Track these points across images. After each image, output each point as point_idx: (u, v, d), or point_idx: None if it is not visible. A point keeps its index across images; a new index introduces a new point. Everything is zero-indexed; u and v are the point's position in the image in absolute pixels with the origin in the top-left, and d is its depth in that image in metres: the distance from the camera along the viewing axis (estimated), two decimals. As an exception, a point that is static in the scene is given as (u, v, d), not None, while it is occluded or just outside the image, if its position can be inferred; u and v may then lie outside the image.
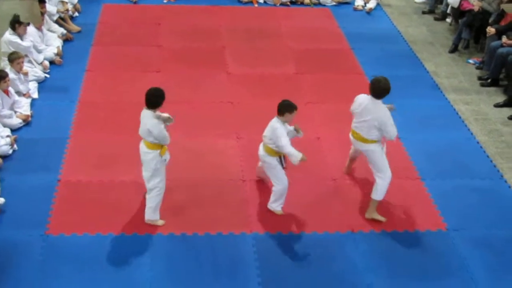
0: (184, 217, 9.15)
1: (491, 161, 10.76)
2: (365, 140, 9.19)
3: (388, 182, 9.23)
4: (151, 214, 9.00)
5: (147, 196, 8.99)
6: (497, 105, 12.42)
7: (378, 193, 9.23)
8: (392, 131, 9.00)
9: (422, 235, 9.05)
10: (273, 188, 9.32)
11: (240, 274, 8.27)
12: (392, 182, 9.66)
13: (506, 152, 11.04)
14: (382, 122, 8.97)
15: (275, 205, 9.36)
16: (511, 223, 9.40)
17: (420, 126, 11.61)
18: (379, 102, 9.10)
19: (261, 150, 9.18)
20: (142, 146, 8.68)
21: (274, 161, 9.09)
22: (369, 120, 9.03)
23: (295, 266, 8.44)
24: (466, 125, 11.72)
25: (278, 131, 8.81)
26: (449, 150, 10.98)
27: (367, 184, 9.95)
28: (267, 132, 8.99)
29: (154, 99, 8.50)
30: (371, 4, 16.78)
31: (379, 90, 9.10)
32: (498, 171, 10.51)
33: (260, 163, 9.49)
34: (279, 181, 9.18)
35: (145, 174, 8.81)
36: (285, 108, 8.83)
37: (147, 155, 8.64)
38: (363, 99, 9.27)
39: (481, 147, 11.12)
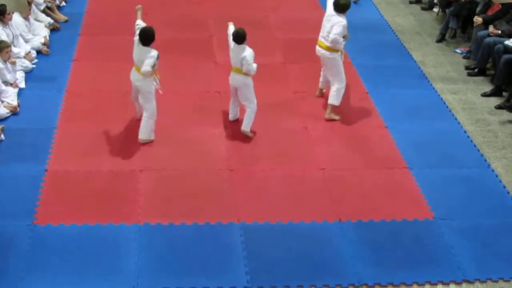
0: (171, 206, 9.14)
1: (478, 150, 10.79)
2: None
3: (344, 87, 11.20)
4: (150, 133, 10.43)
5: (146, 121, 10.32)
6: (484, 95, 12.45)
7: (338, 98, 11.18)
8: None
9: (410, 224, 9.07)
10: (248, 110, 10.61)
11: (228, 264, 8.26)
12: (380, 171, 9.76)
13: (493, 142, 11.08)
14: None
15: (249, 126, 10.66)
16: (498, 212, 9.43)
17: (407, 115, 11.63)
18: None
19: (240, 77, 10.51)
20: (139, 77, 10.01)
21: (251, 81, 10.55)
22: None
23: (283, 255, 8.44)
24: (453, 115, 11.75)
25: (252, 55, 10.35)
26: (437, 139, 11.01)
27: (354, 174, 9.98)
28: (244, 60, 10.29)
29: (152, 37, 9.88)
30: (360, -5, 16.85)
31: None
32: (485, 160, 10.54)
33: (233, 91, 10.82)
34: (254, 99, 10.66)
35: (145, 101, 10.23)
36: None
37: (145, 82, 10.02)
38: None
39: (468, 136, 11.15)
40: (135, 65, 10.15)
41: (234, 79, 10.60)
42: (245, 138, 10.71)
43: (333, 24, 10.82)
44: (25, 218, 8.76)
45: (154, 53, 9.87)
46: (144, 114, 10.38)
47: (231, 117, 11.17)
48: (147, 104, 10.29)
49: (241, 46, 10.27)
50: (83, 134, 10.63)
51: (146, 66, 9.79)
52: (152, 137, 10.51)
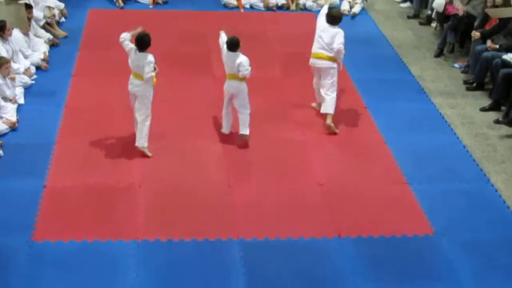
0: (170, 223, 9.12)
1: (478, 164, 10.78)
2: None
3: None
4: (145, 141, 10.46)
5: (141, 126, 10.37)
6: (483, 109, 12.46)
7: (334, 106, 11.35)
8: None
9: (409, 239, 9.05)
10: (243, 116, 10.84)
11: (227, 280, 8.24)
12: (379, 185, 9.75)
13: (492, 156, 11.07)
14: None
15: (248, 130, 10.88)
16: (498, 226, 9.42)
17: (406, 130, 11.63)
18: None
19: (236, 83, 10.67)
20: (139, 83, 10.15)
21: (246, 86, 10.76)
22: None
23: (282, 271, 8.41)
24: (452, 129, 11.75)
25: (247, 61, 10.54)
26: (436, 154, 11.00)
27: (353, 190, 9.97)
28: (240, 66, 10.47)
29: (149, 42, 10.08)
30: (356, 9, 16.83)
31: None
32: (485, 175, 10.54)
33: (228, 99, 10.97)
34: (249, 105, 10.86)
35: (141, 106, 10.30)
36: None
37: (143, 87, 10.18)
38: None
39: (467, 151, 11.15)
40: (132, 72, 10.23)
41: (231, 86, 10.77)
42: (244, 153, 10.71)
43: (334, 35, 11.07)
44: (23, 234, 8.73)
45: (150, 57, 10.04)
46: (139, 119, 10.42)
47: (225, 129, 11.18)
48: (142, 110, 10.36)
49: (236, 53, 10.47)
50: (82, 149, 10.62)
51: (148, 73, 10.00)
52: (146, 144, 10.55)
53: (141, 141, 10.48)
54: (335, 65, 11.27)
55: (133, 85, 10.28)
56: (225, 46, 10.59)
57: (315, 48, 11.33)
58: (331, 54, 11.14)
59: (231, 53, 10.50)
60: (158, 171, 10.18)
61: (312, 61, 11.43)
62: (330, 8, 11.48)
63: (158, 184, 9.87)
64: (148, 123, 10.43)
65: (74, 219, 9.09)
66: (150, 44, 10.11)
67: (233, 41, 10.47)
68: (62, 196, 9.55)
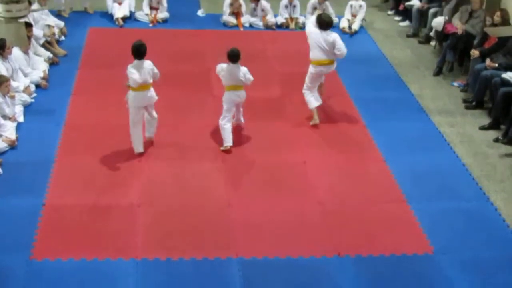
0: (169, 241, 9.09)
1: (477, 183, 10.77)
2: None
3: None
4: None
5: (155, 121, 11.16)
6: (482, 128, 12.46)
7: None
8: None
9: (409, 258, 9.01)
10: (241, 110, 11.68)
11: (226, 299, 8.23)
12: (378, 204, 9.76)
13: (491, 175, 11.07)
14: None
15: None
16: (498, 245, 9.39)
17: (405, 148, 11.63)
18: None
19: (243, 92, 11.19)
20: (150, 91, 10.71)
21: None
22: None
23: (282, 290, 8.41)
24: (451, 148, 11.75)
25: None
26: (435, 172, 10.99)
27: (353, 208, 9.96)
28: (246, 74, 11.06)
29: (145, 49, 10.45)
30: (356, 26, 16.89)
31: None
32: (484, 193, 10.52)
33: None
34: None
35: (152, 107, 10.97)
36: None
37: (153, 94, 10.75)
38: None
39: (466, 169, 11.14)
40: (142, 86, 10.56)
41: (239, 95, 11.20)
42: (244, 172, 10.72)
43: (333, 39, 11.81)
44: (22, 252, 8.70)
45: (149, 62, 10.61)
46: (155, 115, 11.11)
47: (229, 142, 11.34)
48: (153, 110, 11.04)
49: (237, 64, 10.92)
50: (81, 167, 10.61)
51: (156, 74, 10.75)
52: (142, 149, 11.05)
53: (153, 131, 11.32)
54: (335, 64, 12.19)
55: (148, 96, 10.71)
56: (223, 66, 10.93)
57: (320, 56, 11.90)
58: (332, 58, 11.92)
59: (233, 65, 10.89)
60: (158, 189, 10.17)
61: (321, 69, 12.04)
62: (319, 15, 12.11)
63: (157, 202, 9.85)
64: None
65: (73, 237, 9.06)
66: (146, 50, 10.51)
67: (235, 52, 10.86)
68: (61, 214, 9.53)
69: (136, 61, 10.48)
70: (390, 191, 10.45)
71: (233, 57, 10.87)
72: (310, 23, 12.15)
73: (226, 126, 11.21)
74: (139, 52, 10.43)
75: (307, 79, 12.14)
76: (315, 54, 11.89)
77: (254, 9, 16.96)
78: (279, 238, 9.27)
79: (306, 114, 12.41)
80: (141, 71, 10.45)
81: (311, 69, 12.01)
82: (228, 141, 11.27)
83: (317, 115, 12.19)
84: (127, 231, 9.22)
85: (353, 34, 16.72)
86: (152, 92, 10.77)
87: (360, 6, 17.14)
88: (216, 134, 11.58)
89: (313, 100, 12.19)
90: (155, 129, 11.30)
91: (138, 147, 10.98)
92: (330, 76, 13.47)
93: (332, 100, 12.95)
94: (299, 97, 12.95)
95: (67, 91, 12.96)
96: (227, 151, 11.23)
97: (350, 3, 17.26)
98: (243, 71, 10.98)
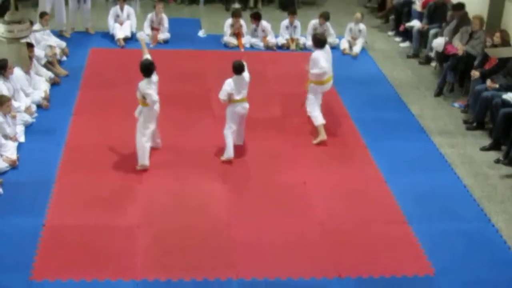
0: (169, 262, 9.06)
1: (478, 204, 10.76)
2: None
3: None
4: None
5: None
6: (483, 149, 12.46)
7: None
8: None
9: (410, 280, 8.98)
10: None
11: (227, 320, 8.20)
12: (379, 225, 9.74)
13: (492, 196, 11.06)
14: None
15: None
16: (499, 266, 9.37)
17: (406, 169, 11.62)
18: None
19: (247, 104, 11.42)
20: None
21: None
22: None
23: (282, 311, 8.39)
24: (452, 168, 11.75)
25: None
26: (436, 193, 10.98)
27: (353, 229, 9.94)
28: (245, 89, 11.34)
29: (154, 67, 10.79)
30: (357, 49, 16.90)
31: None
32: (485, 214, 10.51)
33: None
34: None
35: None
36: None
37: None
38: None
39: (467, 190, 11.13)
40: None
41: (245, 107, 11.48)
42: (244, 192, 10.72)
43: (331, 56, 12.43)
44: (22, 273, 8.67)
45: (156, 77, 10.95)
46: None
47: (231, 153, 11.53)
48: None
49: (242, 75, 11.21)
50: (82, 188, 10.60)
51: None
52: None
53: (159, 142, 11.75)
54: None
55: (157, 108, 10.99)
56: (230, 82, 11.12)
57: (327, 75, 12.26)
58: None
59: (239, 76, 11.18)
60: (158, 209, 10.16)
61: (329, 85, 12.45)
62: (314, 35, 12.71)
63: (157, 223, 9.83)
64: None
65: (73, 258, 9.04)
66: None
67: (241, 65, 11.16)
68: (61, 234, 9.51)
69: (146, 79, 10.67)
70: (390, 211, 10.44)
71: (240, 68, 11.11)
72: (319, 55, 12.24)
73: (230, 137, 11.43)
74: (148, 70, 10.68)
75: (312, 97, 12.21)
76: (328, 72, 12.18)
77: (255, 30, 17.01)
78: (280, 258, 9.25)
79: (306, 135, 12.43)
80: (154, 88, 10.75)
81: (322, 88, 12.26)
82: (231, 153, 11.38)
83: (324, 131, 12.22)
84: (127, 251, 9.20)
85: (356, 56, 16.72)
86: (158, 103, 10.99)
87: (360, 30, 17.16)
88: (216, 155, 11.59)
89: (320, 117, 12.25)
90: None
91: (146, 161, 11.13)
92: (331, 97, 13.52)
93: (333, 121, 12.94)
94: (299, 117, 12.99)
95: (68, 111, 12.97)
96: (227, 163, 11.30)
97: (349, 26, 17.28)
98: (248, 75, 11.32)
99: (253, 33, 17.08)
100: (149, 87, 10.66)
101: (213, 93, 13.66)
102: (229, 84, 11.12)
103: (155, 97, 10.70)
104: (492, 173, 11.72)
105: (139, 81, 10.67)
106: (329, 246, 9.59)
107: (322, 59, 11.90)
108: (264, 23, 16.97)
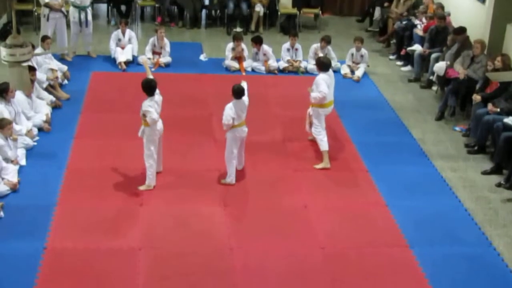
0: (170, 285, 9.04)
1: (480, 228, 10.74)
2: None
3: None
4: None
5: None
6: (484, 173, 12.46)
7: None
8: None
9: (411, 304, 8.98)
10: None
11: None
12: (380, 249, 9.71)
13: (494, 220, 11.04)
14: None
15: None
16: (501, 291, 9.37)
17: (407, 193, 11.61)
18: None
19: (246, 128, 11.43)
20: (160, 122, 11.02)
21: None
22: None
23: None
24: (453, 192, 11.74)
25: None
26: (437, 217, 10.96)
27: (355, 253, 9.91)
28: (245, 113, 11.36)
29: (156, 84, 10.87)
30: (359, 73, 16.93)
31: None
32: (487, 238, 10.48)
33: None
34: None
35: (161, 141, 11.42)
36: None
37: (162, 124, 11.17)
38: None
39: (469, 214, 11.12)
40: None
41: (245, 130, 11.49)
42: (246, 216, 10.70)
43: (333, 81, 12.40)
44: (23, 297, 8.67)
45: (157, 91, 10.97)
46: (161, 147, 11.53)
47: (234, 178, 11.55)
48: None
49: (242, 99, 11.23)
50: (83, 211, 10.59)
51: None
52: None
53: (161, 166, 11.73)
54: None
55: (160, 128, 11.10)
56: (232, 106, 11.09)
57: (332, 96, 12.29)
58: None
59: (239, 101, 11.19)
60: (159, 233, 10.14)
61: (330, 109, 12.41)
62: (318, 58, 12.78)
63: (158, 246, 9.81)
64: None
65: (74, 281, 9.01)
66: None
67: (241, 89, 11.18)
68: (63, 258, 9.49)
69: (149, 98, 10.76)
70: (392, 235, 10.41)
71: (240, 92, 11.14)
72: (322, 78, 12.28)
73: (232, 163, 11.43)
74: (150, 88, 10.81)
75: (317, 125, 12.27)
76: (330, 96, 12.19)
77: (256, 54, 17.05)
78: (281, 283, 9.22)
79: (307, 159, 12.44)
80: (155, 106, 10.77)
81: (325, 111, 12.28)
82: (233, 178, 11.47)
83: (328, 159, 12.27)
84: (128, 275, 9.17)
85: (358, 81, 16.75)
86: (161, 123, 11.10)
87: (362, 55, 17.21)
88: (217, 178, 11.59)
89: (326, 142, 12.29)
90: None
91: (154, 180, 11.27)
92: (332, 120, 13.53)
93: (334, 145, 12.93)
94: (299, 141, 13.00)
95: (70, 135, 12.98)
96: (228, 186, 11.35)
97: (351, 51, 17.33)
98: (247, 99, 11.37)
99: (254, 57, 17.12)
100: (150, 105, 10.71)
101: (214, 117, 13.70)
102: (231, 109, 11.12)
103: (155, 115, 10.70)
104: (493, 197, 11.71)
105: (141, 103, 10.72)
106: (330, 270, 9.57)
107: (323, 84, 11.90)
108: (265, 47, 17.01)
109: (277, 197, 11.25)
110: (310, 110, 12.56)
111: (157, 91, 10.97)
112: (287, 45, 17.19)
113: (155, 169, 11.23)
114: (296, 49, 17.20)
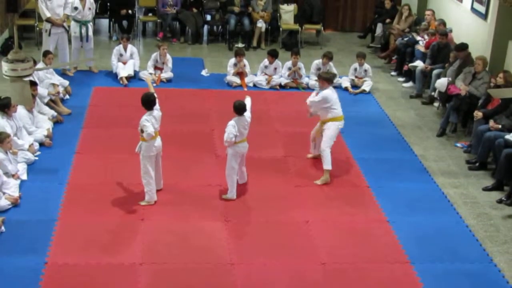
0: (171, 301, 9.05)
1: (481, 244, 10.72)
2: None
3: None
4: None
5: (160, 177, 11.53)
6: (485, 189, 12.45)
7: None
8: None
9: (412, 321, 8.96)
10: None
11: None
12: (381, 265, 9.69)
13: (495, 236, 11.02)
14: None
15: None
16: (502, 308, 9.35)
17: (408, 209, 11.60)
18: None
19: (247, 144, 11.46)
20: (159, 139, 11.06)
21: None
22: None
23: None
24: (455, 209, 11.73)
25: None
26: (438, 233, 10.95)
27: (356, 269, 9.89)
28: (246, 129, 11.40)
29: (155, 99, 10.93)
30: (366, 87, 16.96)
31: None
32: (488, 255, 10.46)
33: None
34: None
35: (160, 158, 11.45)
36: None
37: (160, 142, 11.20)
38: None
39: (470, 230, 11.10)
40: (156, 133, 10.96)
41: (246, 146, 11.52)
42: (246, 232, 10.69)
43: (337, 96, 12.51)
44: (23, 313, 8.66)
45: (157, 107, 11.01)
46: (160, 165, 11.48)
47: (235, 193, 11.59)
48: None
49: (244, 116, 11.26)
50: (84, 226, 10.58)
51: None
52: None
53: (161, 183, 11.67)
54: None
55: (158, 144, 11.10)
56: (234, 123, 11.12)
57: (340, 112, 12.43)
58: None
59: (241, 117, 11.23)
60: (160, 250, 10.12)
61: (342, 123, 12.58)
62: (319, 74, 13.01)
63: (159, 261, 9.79)
64: None
65: (74, 297, 9.02)
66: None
67: (242, 105, 11.21)
68: (63, 273, 9.47)
69: (148, 112, 10.80)
70: (393, 252, 10.40)
71: (241, 108, 11.17)
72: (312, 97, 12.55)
73: (233, 178, 11.45)
74: (149, 102, 10.84)
75: (329, 138, 12.31)
76: (339, 110, 12.36)
77: (266, 67, 17.04)
78: (282, 299, 9.21)
79: (309, 175, 12.43)
80: (153, 121, 10.77)
81: (337, 125, 12.40)
82: (234, 194, 11.49)
83: (329, 175, 12.30)
84: (128, 290, 9.17)
85: (367, 93, 16.81)
86: (160, 140, 11.11)
87: (366, 70, 17.24)
88: (219, 194, 11.58)
89: (330, 161, 12.29)
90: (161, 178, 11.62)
91: (155, 195, 11.27)
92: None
93: (335, 161, 12.90)
94: (301, 158, 13.00)
95: (71, 150, 12.99)
96: (229, 202, 11.39)
97: (353, 66, 17.37)
98: (249, 115, 11.43)
99: (263, 69, 17.12)
100: (148, 120, 10.71)
101: (216, 132, 13.72)
102: (234, 126, 11.13)
103: (151, 129, 10.66)
104: (494, 214, 11.69)
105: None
106: (331, 286, 9.55)
107: (329, 96, 12.12)
108: (278, 61, 17.05)
109: (278, 213, 11.25)
110: (319, 127, 12.61)
111: (157, 106, 10.99)
112: (288, 63, 17.15)
113: (154, 186, 11.22)
114: (299, 68, 17.15)
